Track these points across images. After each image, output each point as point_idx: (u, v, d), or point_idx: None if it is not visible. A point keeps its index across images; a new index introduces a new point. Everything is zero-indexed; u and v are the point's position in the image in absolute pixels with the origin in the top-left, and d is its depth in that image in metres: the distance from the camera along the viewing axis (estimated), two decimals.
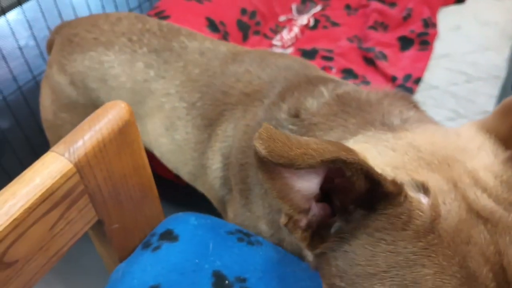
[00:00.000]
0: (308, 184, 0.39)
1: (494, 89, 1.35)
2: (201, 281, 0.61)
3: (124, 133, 0.60)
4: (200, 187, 0.86)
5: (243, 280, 0.61)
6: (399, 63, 1.46)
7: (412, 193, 0.38)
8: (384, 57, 1.46)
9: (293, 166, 0.34)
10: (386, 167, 0.41)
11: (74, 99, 0.95)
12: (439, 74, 1.40)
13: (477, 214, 0.37)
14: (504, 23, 1.51)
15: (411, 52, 1.48)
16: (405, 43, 1.51)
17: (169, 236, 0.66)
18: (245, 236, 0.68)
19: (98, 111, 0.60)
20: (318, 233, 0.42)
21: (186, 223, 0.68)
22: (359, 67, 1.46)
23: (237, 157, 0.71)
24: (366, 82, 1.42)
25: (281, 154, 0.34)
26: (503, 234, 0.36)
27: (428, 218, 0.37)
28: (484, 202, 0.38)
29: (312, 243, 0.42)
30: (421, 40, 1.50)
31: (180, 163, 0.86)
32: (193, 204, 1.01)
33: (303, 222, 0.41)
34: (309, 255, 0.52)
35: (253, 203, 0.69)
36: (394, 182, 0.37)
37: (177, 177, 1.39)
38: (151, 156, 0.91)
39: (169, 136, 0.85)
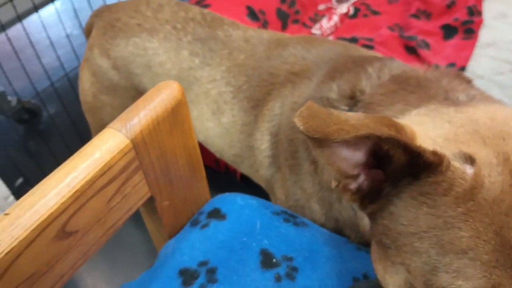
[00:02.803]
0: (354, 153, 0.42)
1: None
2: (249, 259, 0.62)
3: (176, 113, 0.62)
4: (246, 169, 0.88)
5: (290, 259, 0.62)
6: (442, 52, 1.43)
7: (456, 163, 0.40)
8: (427, 45, 1.44)
9: (328, 140, 0.38)
10: (438, 138, 0.42)
11: (116, 82, 0.97)
12: (484, 63, 1.36)
13: None
14: None
15: (455, 40, 1.45)
16: (448, 31, 1.48)
17: (216, 214, 0.68)
18: (290, 217, 0.68)
19: (152, 90, 0.62)
20: (369, 196, 0.45)
21: (233, 202, 0.69)
22: (400, 56, 1.44)
23: (286, 133, 0.72)
24: None
25: (317, 130, 0.38)
26: None
27: (469, 186, 0.38)
28: None
29: (362, 203, 0.45)
30: (466, 28, 1.46)
31: (226, 146, 0.88)
32: (232, 190, 1.02)
33: (353, 186, 0.45)
34: (366, 223, 0.53)
35: (303, 180, 0.71)
36: (434, 153, 0.39)
37: (216, 163, 1.41)
38: None
39: (215, 120, 0.87)
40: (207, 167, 1.29)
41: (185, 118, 0.64)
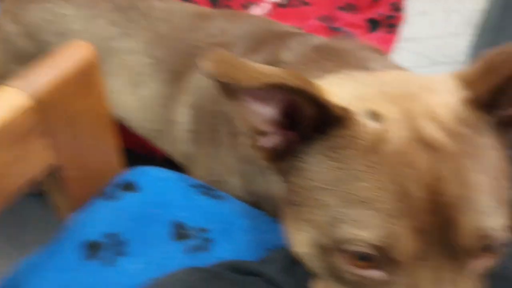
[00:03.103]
0: (265, 108, 0.41)
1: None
2: (161, 231, 0.59)
3: (87, 75, 0.58)
4: (165, 145, 0.85)
5: (205, 231, 0.60)
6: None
7: (363, 118, 0.40)
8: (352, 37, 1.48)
9: (238, 87, 0.38)
10: (347, 97, 0.42)
11: (27, 51, 0.91)
12: (404, 57, 1.42)
13: (425, 142, 0.39)
14: (468, 11, 1.56)
15: (379, 34, 1.50)
16: (373, 25, 1.53)
17: (129, 186, 0.64)
18: (208, 190, 0.66)
19: (60, 48, 0.57)
20: (282, 155, 0.44)
21: (147, 175, 0.66)
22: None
23: (208, 106, 0.70)
24: None
25: (226, 74, 0.37)
26: (446, 162, 0.38)
27: (373, 140, 0.39)
28: (435, 133, 0.39)
29: (275, 162, 0.45)
30: (389, 23, 1.52)
31: (145, 120, 0.84)
32: None
33: (266, 144, 0.44)
34: (280, 188, 0.52)
35: (224, 154, 0.69)
36: (342, 108, 0.40)
37: (137, 145, 1.36)
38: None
39: (134, 93, 0.83)
40: (127, 150, 1.24)
41: (97, 82, 0.60)
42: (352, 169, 0.39)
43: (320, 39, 0.67)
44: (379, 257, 0.38)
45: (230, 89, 0.39)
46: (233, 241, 0.60)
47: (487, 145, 0.41)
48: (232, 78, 0.36)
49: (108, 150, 0.65)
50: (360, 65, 0.53)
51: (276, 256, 0.55)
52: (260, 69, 0.37)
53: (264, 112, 0.42)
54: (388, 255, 0.38)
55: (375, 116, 0.41)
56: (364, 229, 0.38)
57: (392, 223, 0.37)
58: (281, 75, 0.37)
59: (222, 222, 0.62)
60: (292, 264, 0.53)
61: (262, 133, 0.44)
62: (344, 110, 0.40)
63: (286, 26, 0.81)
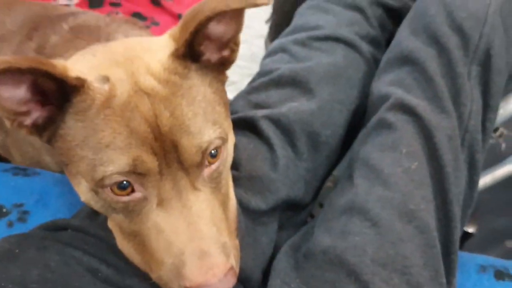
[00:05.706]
0: (15, 91, 0.49)
1: (266, 14, 1.54)
2: None
3: None
4: None
5: (21, 205, 0.68)
6: (184, 1, 1.58)
7: (96, 83, 0.51)
8: None
9: None
10: (84, 68, 0.52)
11: None
12: None
13: (144, 91, 0.51)
14: None
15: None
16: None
17: None
18: (21, 171, 0.74)
19: None
20: (44, 127, 0.53)
21: None
22: (147, 10, 1.55)
23: None
24: (155, 23, 1.52)
25: None
26: (159, 103, 0.51)
27: (105, 98, 0.50)
28: (150, 83, 0.51)
29: (39, 134, 0.54)
30: None
31: None
32: None
33: (27, 122, 0.52)
34: None
35: (28, 136, 0.75)
36: (77, 78, 0.49)
37: None
38: None
39: None
40: None
41: None
42: (94, 124, 0.50)
43: (88, 17, 0.74)
44: (132, 179, 0.50)
45: None
46: (49, 208, 0.69)
47: (195, 85, 0.54)
48: None
49: None
50: (107, 38, 0.63)
51: (82, 209, 0.66)
52: None
53: (15, 95, 0.49)
54: (137, 174, 0.50)
55: (105, 79, 0.51)
56: (112, 164, 0.49)
57: (131, 152, 0.49)
58: (11, 61, 0.45)
59: (36, 194, 0.70)
60: (94, 212, 0.64)
61: (21, 114, 0.51)
62: (80, 79, 0.50)
63: (62, 8, 0.87)
